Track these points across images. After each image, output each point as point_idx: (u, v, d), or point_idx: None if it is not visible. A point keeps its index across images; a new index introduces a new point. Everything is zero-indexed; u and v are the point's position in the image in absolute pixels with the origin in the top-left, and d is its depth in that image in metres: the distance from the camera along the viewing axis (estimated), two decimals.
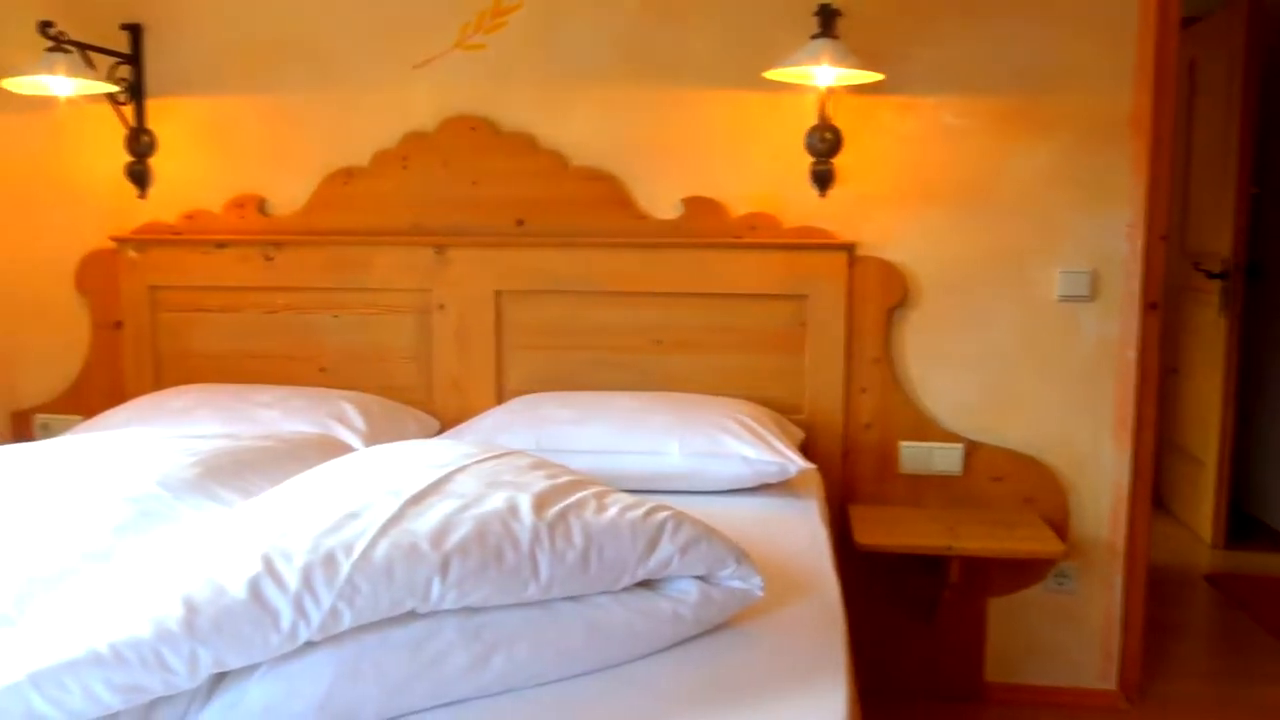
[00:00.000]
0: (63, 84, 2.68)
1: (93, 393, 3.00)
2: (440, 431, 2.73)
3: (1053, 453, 2.78)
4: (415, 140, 2.86)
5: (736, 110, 2.76)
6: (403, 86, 2.85)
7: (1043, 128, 2.68)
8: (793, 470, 2.35)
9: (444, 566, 1.31)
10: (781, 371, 2.76)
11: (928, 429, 2.79)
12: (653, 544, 1.48)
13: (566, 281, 2.80)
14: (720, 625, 1.55)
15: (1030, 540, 2.59)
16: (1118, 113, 2.65)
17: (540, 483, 1.57)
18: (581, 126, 2.81)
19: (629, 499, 1.58)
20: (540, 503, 1.48)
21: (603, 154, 2.81)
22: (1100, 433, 2.76)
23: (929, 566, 2.69)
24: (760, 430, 2.41)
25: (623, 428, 2.43)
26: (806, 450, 2.63)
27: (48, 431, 2.98)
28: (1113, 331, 2.73)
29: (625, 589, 1.48)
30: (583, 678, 1.40)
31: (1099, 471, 2.78)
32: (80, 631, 1.13)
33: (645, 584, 1.51)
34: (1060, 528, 2.75)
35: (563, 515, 1.46)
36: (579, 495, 1.54)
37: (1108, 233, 2.70)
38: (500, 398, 2.82)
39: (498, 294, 2.81)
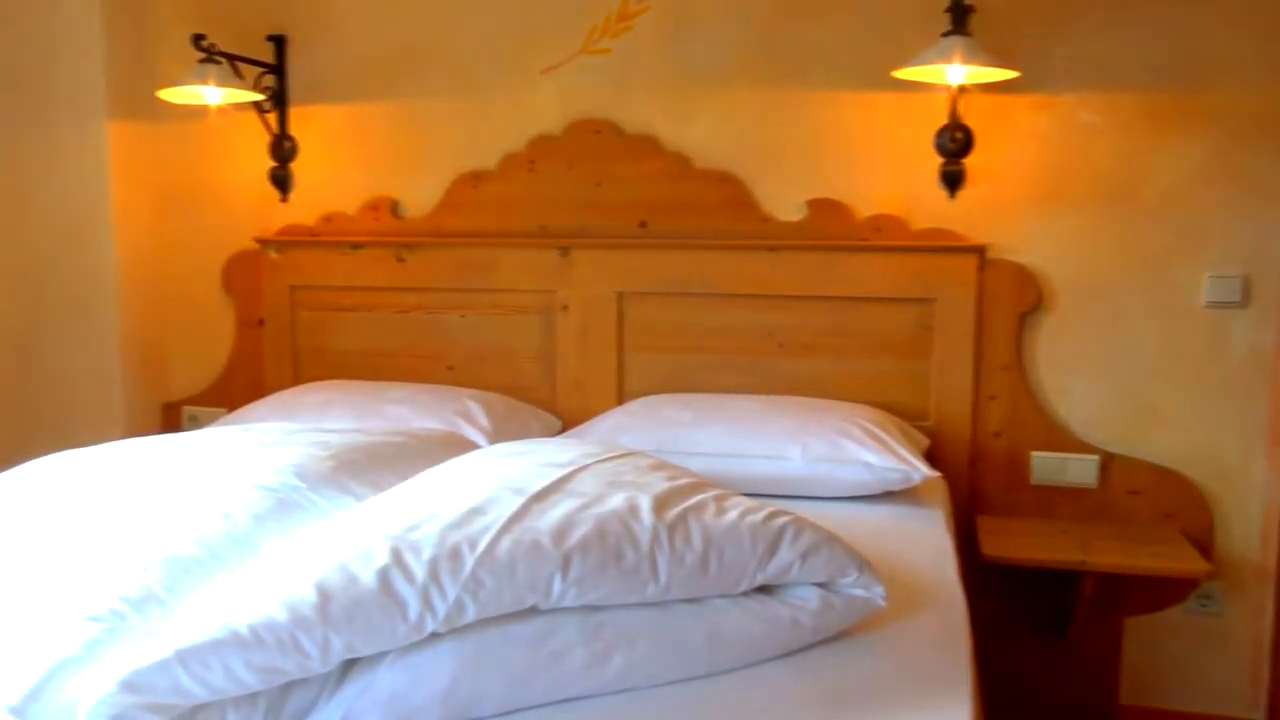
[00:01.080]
0: (213, 93, 2.83)
1: (236, 387, 3.15)
2: (562, 431, 2.77)
3: (1197, 467, 2.64)
4: (542, 144, 2.91)
5: (864, 110, 2.72)
6: (530, 91, 2.91)
7: (1191, 124, 2.55)
8: (917, 478, 2.30)
9: (565, 564, 1.33)
10: (907, 377, 2.70)
11: (1061, 439, 2.68)
12: (772, 549, 1.47)
13: (688, 283, 2.80)
14: (840, 634, 1.53)
15: (1171, 558, 2.46)
16: (1277, 107, 2.50)
17: (660, 484, 1.57)
18: (705, 129, 2.81)
19: (749, 503, 1.57)
20: (660, 504, 1.48)
21: (726, 156, 2.80)
22: (1251, 447, 2.61)
23: (1061, 582, 2.58)
24: (884, 436, 2.37)
25: (743, 431, 2.42)
26: (932, 458, 2.56)
27: (195, 423, 3.14)
28: (1267, 340, 2.57)
29: (744, 593, 1.47)
30: (700, 680, 1.39)
31: (1248, 488, 2.62)
32: (223, 613, 1.19)
33: (764, 589, 1.50)
34: (1204, 546, 2.60)
35: (682, 517, 1.46)
36: (699, 498, 1.54)
37: (1263, 235, 2.54)
38: (621, 398, 2.84)
39: (620, 295, 2.83)
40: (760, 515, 1.51)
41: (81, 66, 2.99)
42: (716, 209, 2.80)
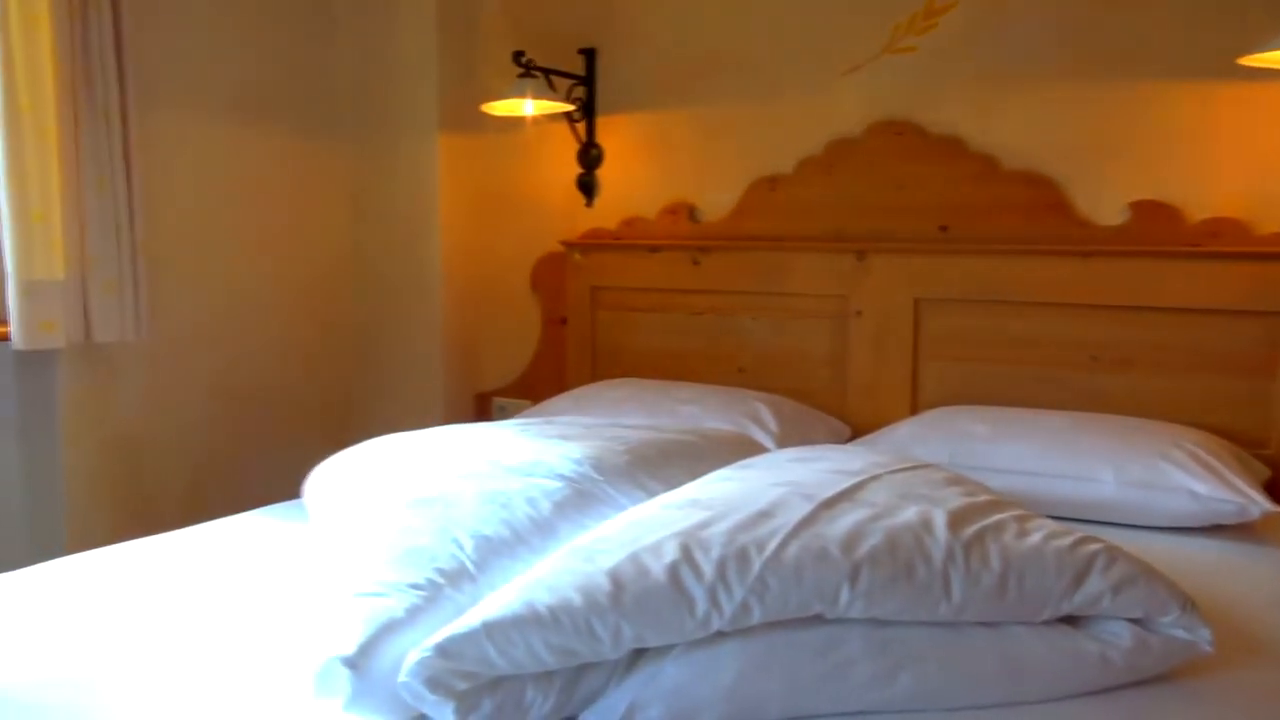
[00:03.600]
0: (529, 105, 3.02)
1: (540, 380, 3.35)
2: (851, 438, 2.72)
3: None
4: (840, 147, 2.87)
5: (1200, 103, 2.46)
6: (829, 94, 2.87)
7: None
8: (1255, 512, 2.05)
9: (853, 574, 1.30)
10: (1244, 399, 2.42)
11: None
12: (1080, 578, 1.37)
13: (992, 291, 2.66)
14: (1156, 678, 1.39)
15: None
16: None
17: (956, 499, 1.50)
18: (1015, 127, 2.66)
19: (1054, 526, 1.47)
20: (956, 520, 1.42)
21: (1038, 156, 2.63)
22: None
23: None
24: (1214, 463, 2.13)
25: (1048, 449, 2.26)
26: (1274, 491, 2.28)
27: (503, 413, 3.37)
28: None
29: (1046, 623, 1.37)
30: (993, 709, 1.32)
31: None
32: (526, 593, 1.27)
33: (1069, 620, 1.40)
34: None
35: (980, 536, 1.38)
36: (998, 516, 1.46)
37: None
38: (914, 408, 2.74)
39: (917, 301, 2.74)
40: (1067, 540, 1.41)
41: (418, 85, 3.30)
42: (1025, 212, 2.64)
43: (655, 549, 1.33)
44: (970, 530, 1.40)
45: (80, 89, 2.59)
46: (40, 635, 1.55)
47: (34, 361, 2.67)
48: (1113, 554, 1.40)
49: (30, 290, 2.53)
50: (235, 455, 3.17)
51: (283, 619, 1.59)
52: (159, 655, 1.48)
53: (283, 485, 2.35)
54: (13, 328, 2.53)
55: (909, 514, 1.43)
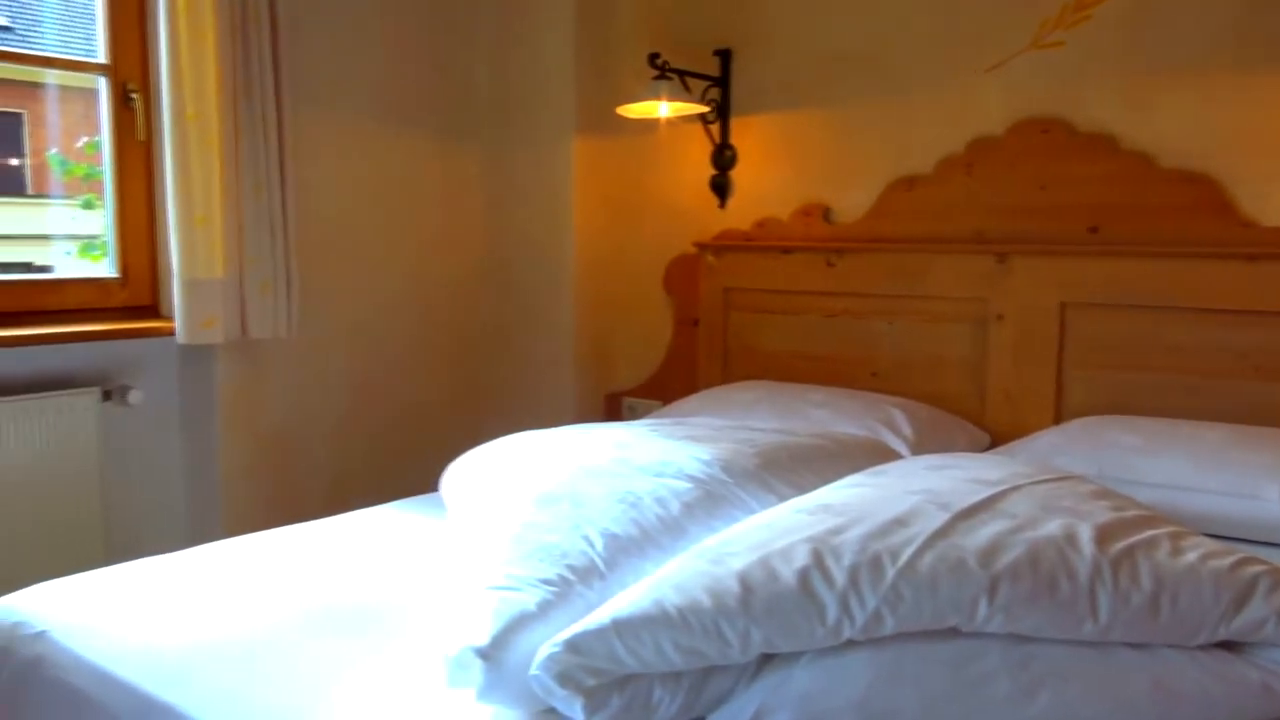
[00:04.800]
0: (664, 107, 3.03)
1: (671, 381, 3.36)
2: (990, 447, 2.63)
3: None
4: (982, 146, 2.78)
5: None
6: (971, 91, 2.79)
7: None
8: None
9: (992, 587, 1.26)
10: None
11: None
12: (1241, 601, 1.29)
13: (1145, 295, 2.53)
14: None
15: None
16: None
17: (1104, 513, 1.44)
18: (1173, 124, 2.52)
19: (1212, 545, 1.39)
20: (1103, 535, 1.35)
21: (1198, 153, 2.49)
22: None
23: None
24: None
25: (1205, 462, 2.14)
26: None
27: (632, 413, 3.40)
28: None
29: (1201, 646, 1.30)
30: None
31: None
32: (655, 592, 1.27)
33: (1227, 645, 1.32)
34: None
35: (1129, 552, 1.32)
36: (1150, 533, 1.39)
37: None
38: (1058, 417, 2.63)
39: (1063, 306, 2.63)
40: (1227, 561, 1.33)
41: (555, 88, 3.36)
42: (1183, 212, 2.50)
43: (786, 553, 1.32)
44: (1119, 546, 1.33)
45: (240, 98, 2.73)
46: (198, 611, 1.65)
47: (196, 356, 2.84)
48: (1278, 577, 1.31)
49: (192, 288, 2.69)
50: (376, 449, 3.29)
51: (418, 607, 1.64)
52: (303, 634, 1.55)
53: (420, 479, 2.43)
54: (177, 323, 2.69)
55: (1052, 527, 1.37)
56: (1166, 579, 1.29)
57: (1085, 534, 1.35)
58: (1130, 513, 1.46)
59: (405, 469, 3.20)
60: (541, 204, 3.45)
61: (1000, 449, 2.50)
